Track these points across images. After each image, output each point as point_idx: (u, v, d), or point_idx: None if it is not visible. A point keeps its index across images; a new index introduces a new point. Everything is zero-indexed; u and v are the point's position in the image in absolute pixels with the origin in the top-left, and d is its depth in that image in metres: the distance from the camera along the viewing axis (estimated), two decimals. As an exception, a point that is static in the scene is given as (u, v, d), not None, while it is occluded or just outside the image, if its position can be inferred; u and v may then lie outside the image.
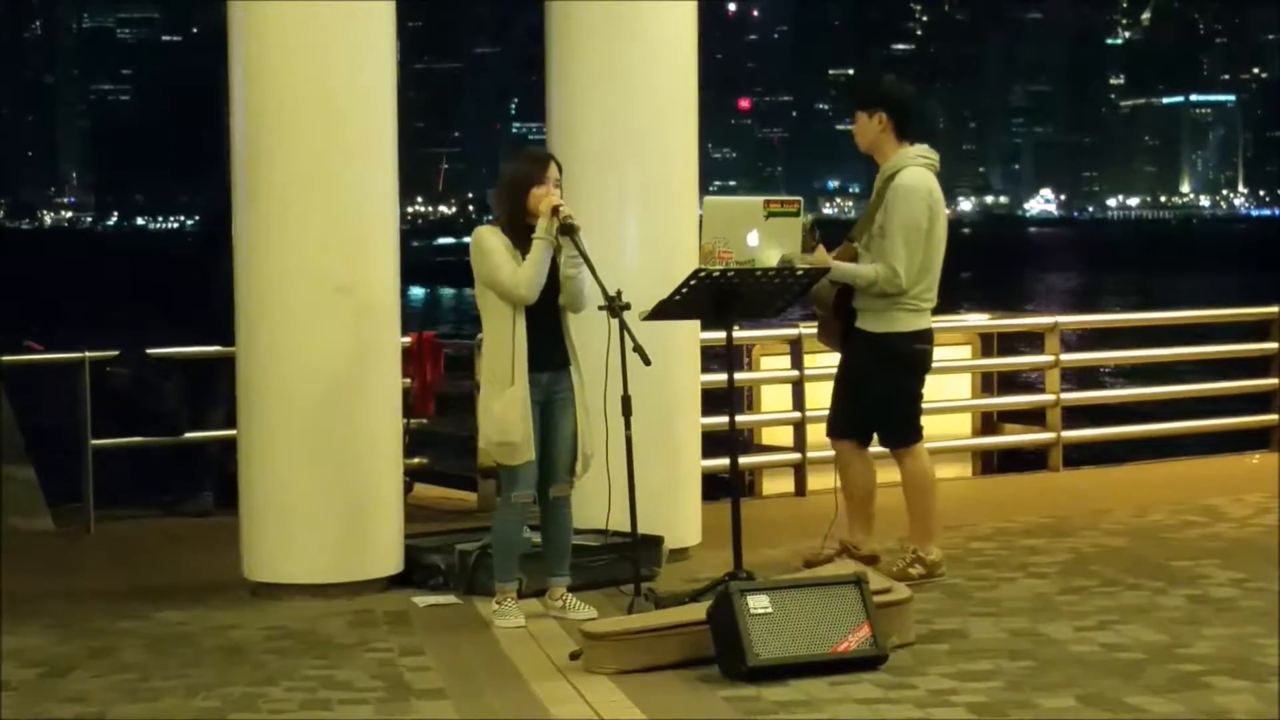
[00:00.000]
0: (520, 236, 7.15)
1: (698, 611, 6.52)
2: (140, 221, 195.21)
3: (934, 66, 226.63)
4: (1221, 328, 14.46)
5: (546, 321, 7.21)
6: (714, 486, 9.09)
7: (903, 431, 8.02)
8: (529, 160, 7.34)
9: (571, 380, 7.29)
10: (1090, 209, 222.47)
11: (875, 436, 8.11)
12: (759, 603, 6.30)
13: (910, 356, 7.91)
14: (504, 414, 7.11)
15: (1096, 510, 9.92)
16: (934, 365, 11.59)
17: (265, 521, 7.89)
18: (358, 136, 7.88)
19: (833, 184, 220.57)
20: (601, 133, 8.47)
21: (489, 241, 7.17)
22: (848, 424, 8.07)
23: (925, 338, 7.97)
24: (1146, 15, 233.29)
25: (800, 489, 10.73)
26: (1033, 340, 12.44)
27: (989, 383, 12.02)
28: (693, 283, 7.01)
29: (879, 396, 7.93)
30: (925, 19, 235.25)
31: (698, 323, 8.28)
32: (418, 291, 56.00)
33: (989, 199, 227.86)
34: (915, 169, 7.80)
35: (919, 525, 7.97)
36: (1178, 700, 5.91)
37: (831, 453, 10.89)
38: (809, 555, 8.14)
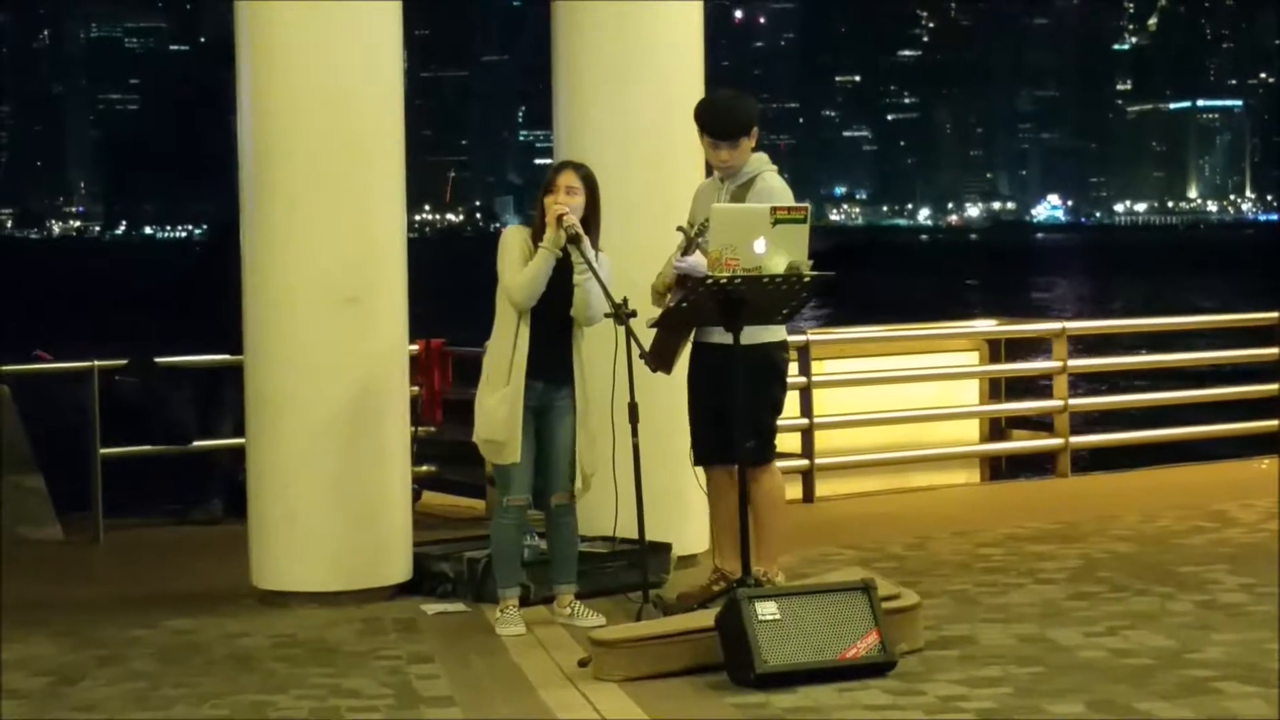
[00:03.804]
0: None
1: (706, 618, 6.52)
2: (148, 230, 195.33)
3: (941, 73, 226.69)
4: (1229, 332, 14.45)
5: (551, 331, 7.27)
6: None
7: (770, 447, 7.63)
8: (551, 169, 7.47)
9: (573, 394, 7.33)
10: (1098, 214, 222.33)
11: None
12: (767, 609, 6.30)
13: (781, 367, 7.69)
14: (493, 412, 7.22)
15: (1105, 516, 9.91)
16: (941, 370, 11.77)
17: (274, 529, 7.90)
18: (365, 144, 7.90)
19: (840, 190, 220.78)
20: (608, 136, 8.49)
21: (508, 240, 7.33)
22: (722, 447, 7.45)
23: (787, 347, 7.79)
24: (1153, 21, 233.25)
25: (808, 495, 10.74)
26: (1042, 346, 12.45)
27: (997, 388, 12.03)
28: (700, 290, 7.01)
29: (754, 413, 7.38)
30: (932, 25, 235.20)
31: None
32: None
33: (996, 205, 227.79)
34: (773, 173, 7.68)
35: (767, 546, 7.53)
36: (1187, 706, 5.91)
37: (841, 459, 11.02)
38: (686, 590, 7.73)
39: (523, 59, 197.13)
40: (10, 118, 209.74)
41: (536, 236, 7.29)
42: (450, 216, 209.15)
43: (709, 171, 7.93)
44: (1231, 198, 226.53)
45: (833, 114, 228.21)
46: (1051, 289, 64.06)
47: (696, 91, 8.57)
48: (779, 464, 7.78)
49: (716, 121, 7.58)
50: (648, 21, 8.54)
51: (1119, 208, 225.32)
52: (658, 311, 7.36)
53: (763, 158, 7.66)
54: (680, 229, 7.50)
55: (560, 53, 8.70)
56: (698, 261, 7.21)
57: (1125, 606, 7.52)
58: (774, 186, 7.51)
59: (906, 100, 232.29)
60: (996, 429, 12.02)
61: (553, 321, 7.27)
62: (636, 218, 8.36)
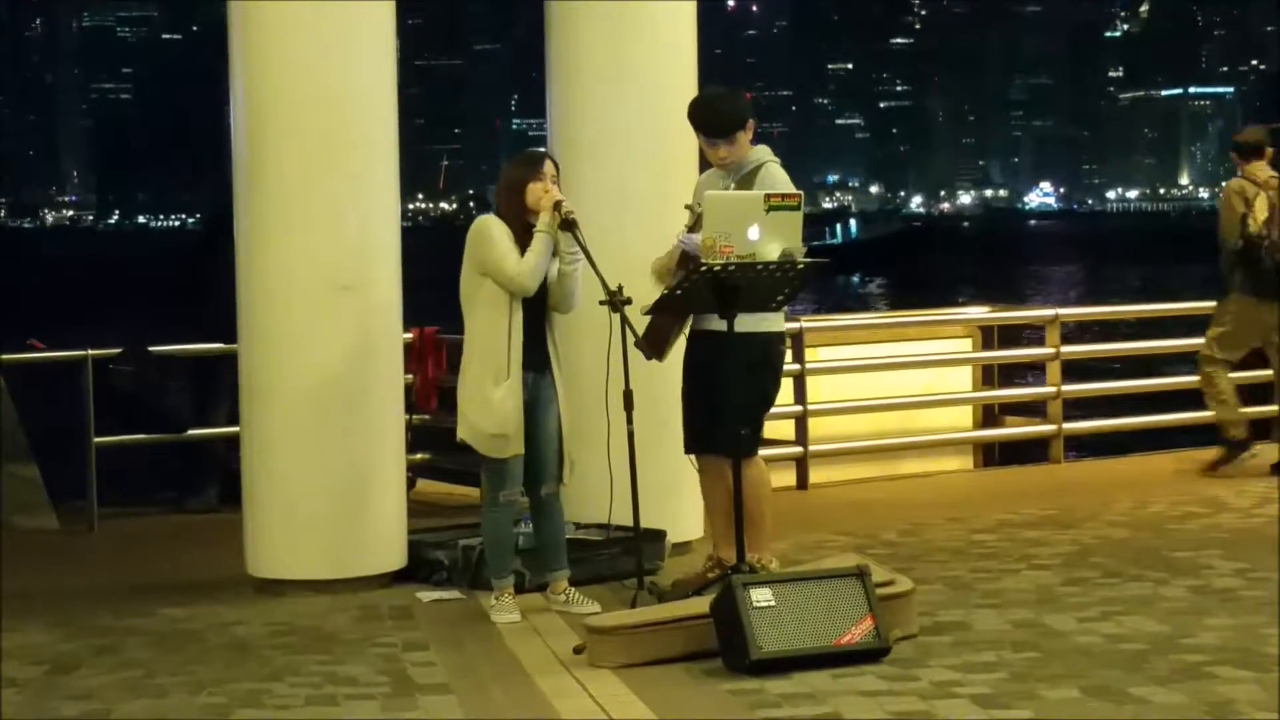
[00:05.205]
0: (519, 235, 7.20)
1: (701, 605, 6.54)
2: (142, 220, 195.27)
3: (933, 60, 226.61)
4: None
5: (533, 320, 7.26)
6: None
7: (757, 438, 7.61)
8: (524, 161, 7.43)
9: (555, 382, 7.33)
10: (1090, 202, 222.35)
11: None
12: (762, 596, 6.31)
13: (776, 361, 7.66)
14: (500, 405, 7.16)
15: (1098, 502, 9.93)
16: (935, 358, 11.79)
17: (269, 518, 7.91)
18: (359, 133, 7.90)
19: (832, 178, 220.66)
20: (601, 128, 8.49)
21: (494, 230, 7.23)
22: (713, 435, 7.44)
23: (785, 340, 7.79)
24: (1145, 8, 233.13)
25: (802, 482, 10.76)
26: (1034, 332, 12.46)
27: (990, 375, 12.05)
28: (694, 277, 7.01)
29: (747, 402, 7.36)
30: (924, 12, 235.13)
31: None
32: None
33: (988, 192, 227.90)
34: (776, 164, 7.64)
35: (758, 535, 7.46)
36: (1181, 691, 5.93)
37: (835, 446, 11.03)
38: (681, 577, 7.71)
39: (516, 48, 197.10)
40: (3, 107, 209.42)
41: (516, 227, 7.22)
42: (444, 205, 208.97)
43: (703, 164, 7.92)
44: (1223, 184, 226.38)
45: (825, 102, 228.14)
46: (1044, 278, 64.04)
47: (690, 83, 8.57)
48: (768, 451, 7.77)
49: (710, 120, 7.58)
50: (641, 16, 8.52)
51: (1111, 195, 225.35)
52: (652, 298, 7.35)
53: (764, 149, 7.65)
54: (689, 206, 7.51)
55: (553, 48, 8.69)
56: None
57: (1119, 592, 7.54)
58: (778, 178, 7.51)
59: (899, 88, 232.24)
60: (990, 415, 12.04)
61: (534, 311, 7.26)
62: (629, 209, 8.37)
